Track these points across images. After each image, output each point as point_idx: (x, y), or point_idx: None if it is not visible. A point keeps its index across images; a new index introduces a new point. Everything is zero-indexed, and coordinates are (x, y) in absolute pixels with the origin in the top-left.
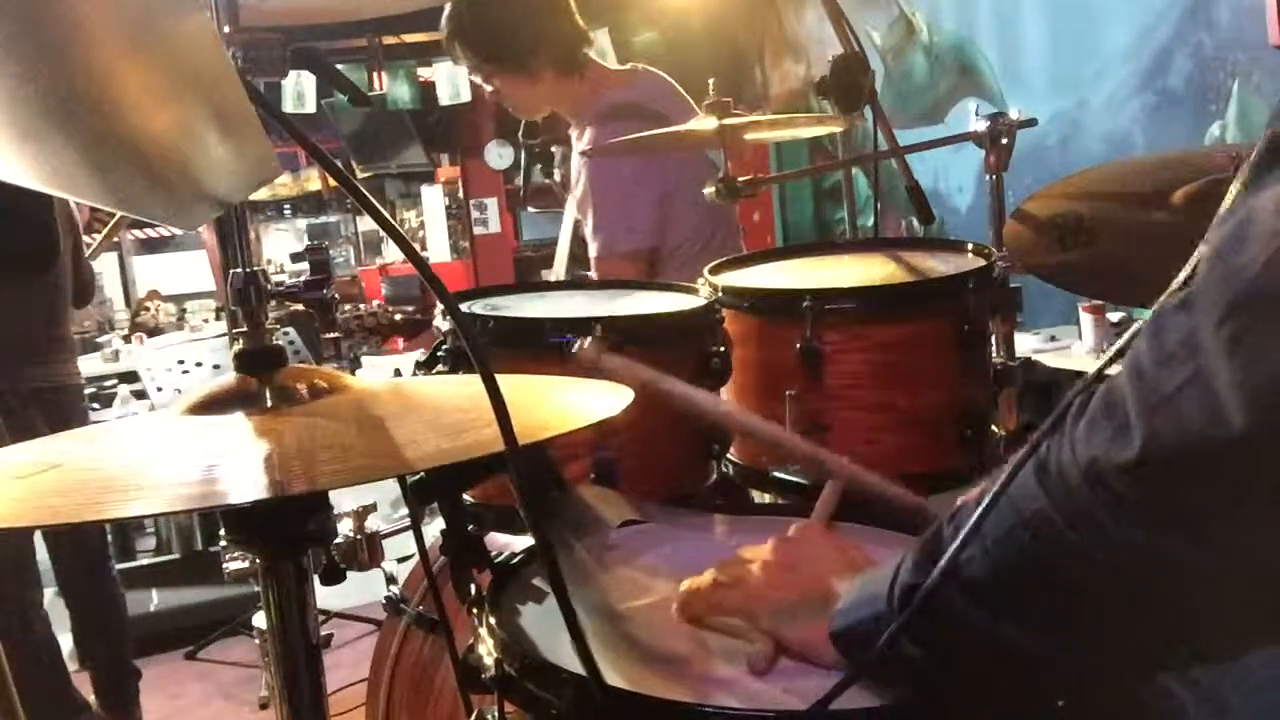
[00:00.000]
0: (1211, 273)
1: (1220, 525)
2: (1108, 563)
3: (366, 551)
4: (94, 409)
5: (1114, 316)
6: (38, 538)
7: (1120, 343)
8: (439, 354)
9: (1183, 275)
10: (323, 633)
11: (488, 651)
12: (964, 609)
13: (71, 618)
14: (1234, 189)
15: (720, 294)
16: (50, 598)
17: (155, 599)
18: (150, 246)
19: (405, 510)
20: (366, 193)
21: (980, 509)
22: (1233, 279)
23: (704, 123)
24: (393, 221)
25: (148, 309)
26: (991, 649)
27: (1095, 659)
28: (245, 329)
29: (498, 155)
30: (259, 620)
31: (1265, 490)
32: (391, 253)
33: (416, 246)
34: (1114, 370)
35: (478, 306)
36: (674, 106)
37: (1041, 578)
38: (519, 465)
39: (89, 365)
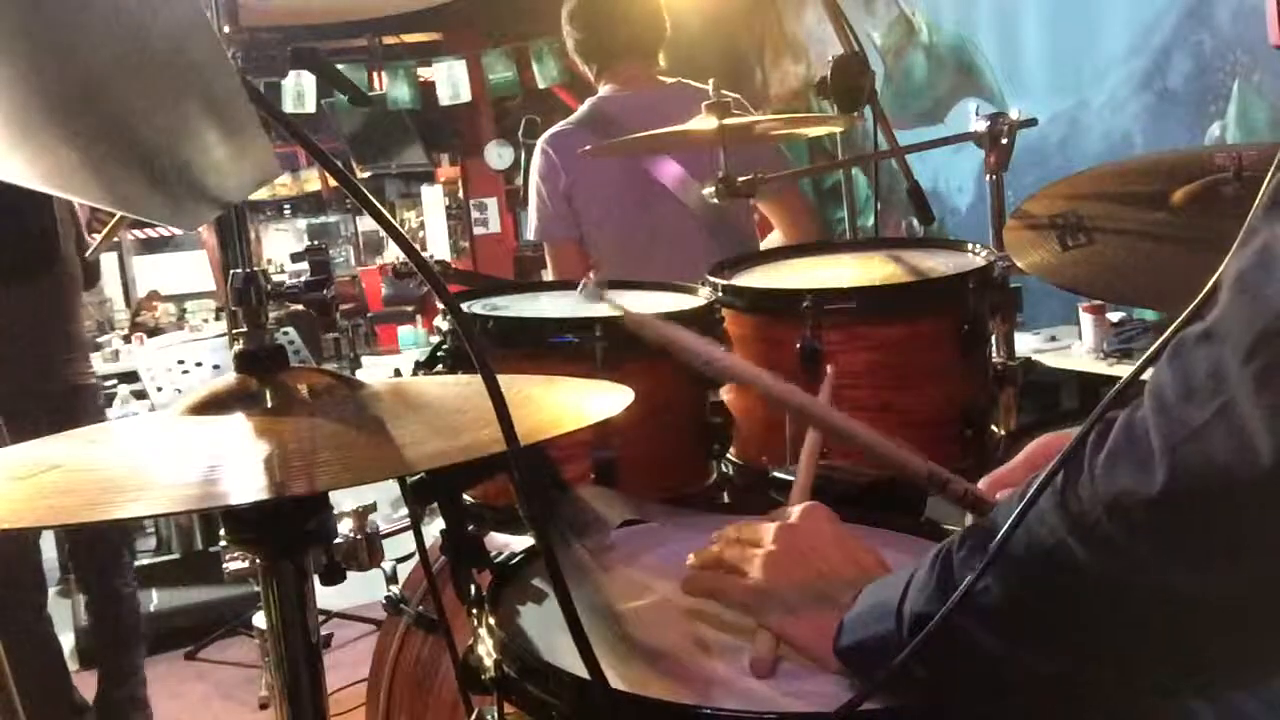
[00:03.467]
0: (1236, 303)
1: (1245, 559)
2: (1129, 595)
3: (366, 551)
4: None
5: (1114, 316)
6: (50, 537)
7: (1132, 371)
8: (439, 354)
9: (1199, 300)
10: (323, 633)
11: (487, 652)
12: (977, 637)
13: (87, 615)
14: (1260, 201)
15: (720, 294)
16: (52, 598)
17: (155, 599)
18: (150, 246)
19: (405, 510)
20: (367, 193)
21: (997, 540)
22: (1260, 311)
23: (704, 122)
24: (393, 221)
25: (151, 309)
26: (1002, 674)
27: (1111, 685)
28: (245, 329)
29: (498, 155)
30: (259, 620)
31: None
32: (392, 252)
33: (416, 247)
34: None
35: (478, 306)
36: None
37: (1061, 608)
38: (520, 465)
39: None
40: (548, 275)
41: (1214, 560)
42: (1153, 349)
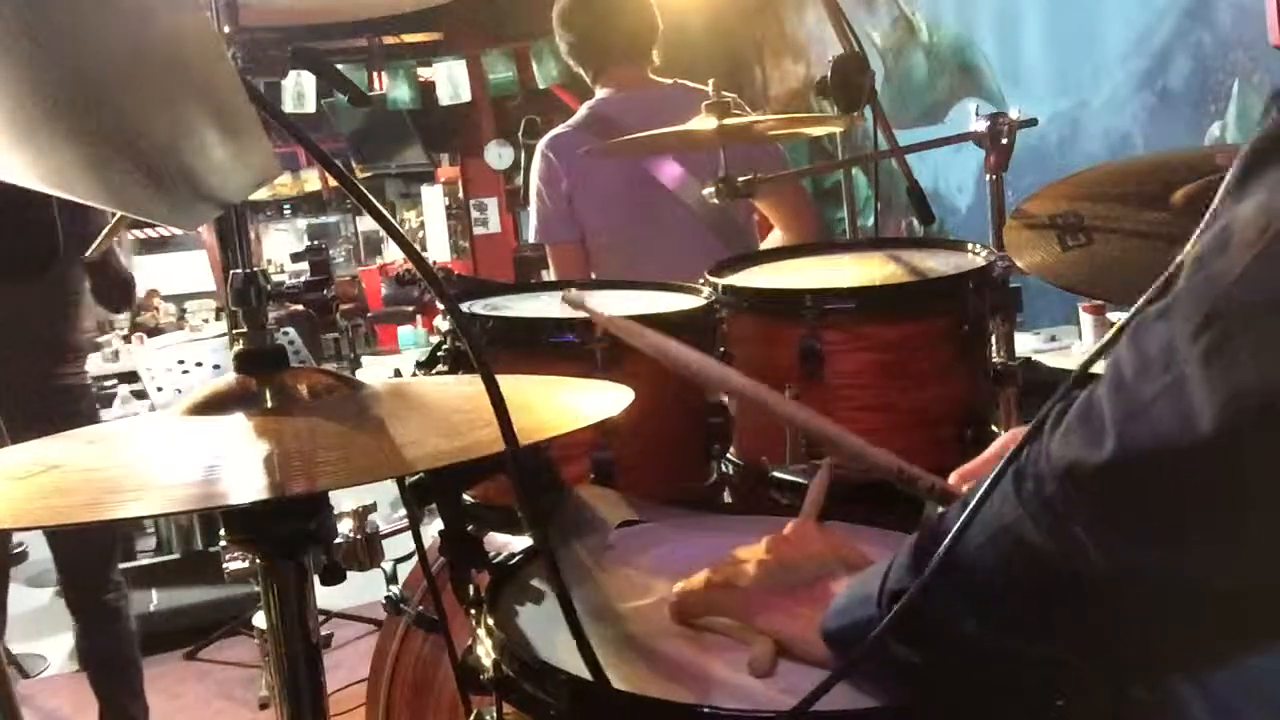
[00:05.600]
0: (1191, 281)
1: (1190, 532)
2: (1083, 570)
3: (366, 551)
4: None
5: (1114, 316)
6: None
7: (1094, 351)
8: (439, 354)
9: (1160, 281)
10: (323, 633)
11: (486, 652)
12: (949, 613)
13: (77, 637)
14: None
15: (720, 294)
16: (51, 597)
17: (155, 599)
18: (150, 246)
19: (405, 510)
20: (367, 193)
21: (963, 517)
22: (1211, 288)
23: (704, 122)
24: (393, 221)
25: (155, 308)
26: (978, 651)
27: (1081, 661)
28: (245, 329)
29: (498, 155)
30: (259, 620)
31: (1231, 498)
32: (392, 252)
33: (416, 247)
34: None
35: (478, 306)
36: (653, 124)
37: (1021, 585)
38: (519, 465)
39: (89, 365)
40: (549, 276)
41: (1156, 533)
42: (1114, 329)
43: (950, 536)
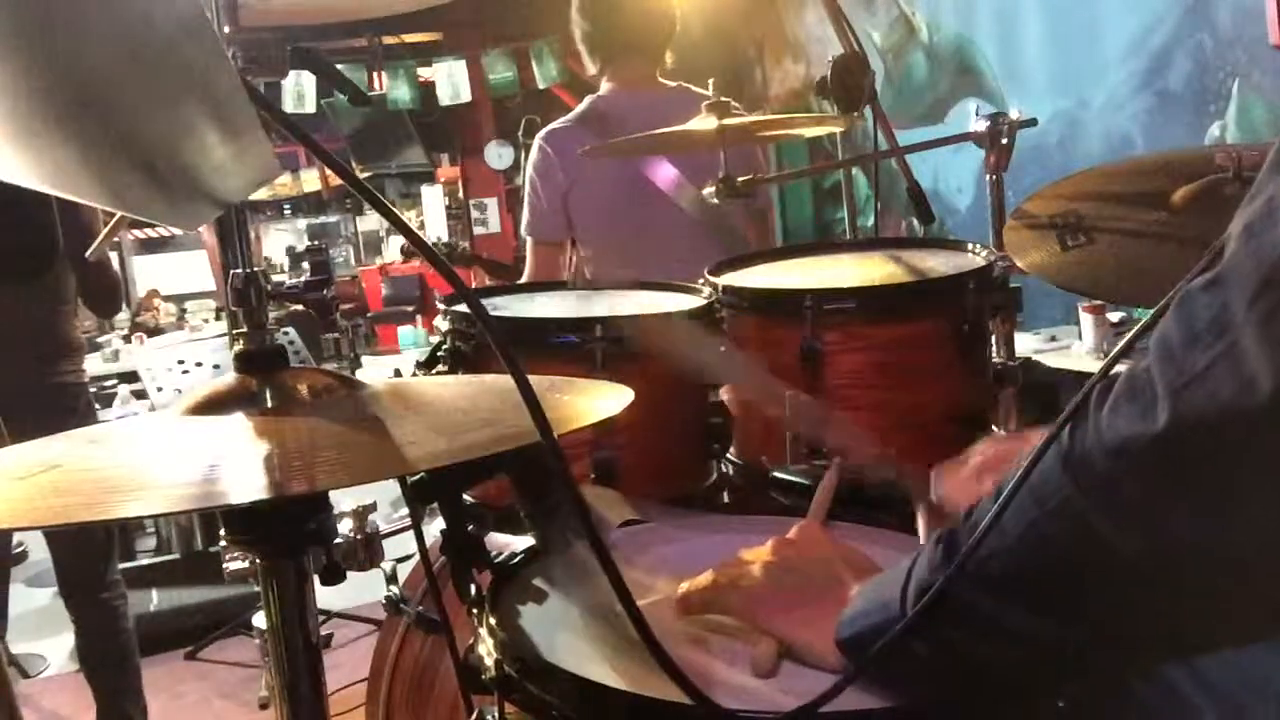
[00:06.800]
0: (1242, 250)
1: (1246, 500)
2: (1135, 546)
3: (366, 551)
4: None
5: (1114, 316)
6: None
7: (1137, 329)
8: (439, 354)
9: (1208, 256)
10: (323, 633)
11: (488, 652)
12: (980, 603)
13: (76, 636)
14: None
15: (720, 294)
16: (52, 596)
17: (155, 599)
18: (150, 246)
19: (405, 510)
20: (375, 192)
21: (999, 503)
22: (1265, 256)
23: (704, 122)
24: (403, 219)
25: (155, 309)
26: (1003, 641)
27: (1113, 642)
28: (245, 329)
29: (498, 155)
30: (259, 620)
31: None
32: (392, 252)
33: (423, 238)
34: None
35: None
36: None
37: (1068, 567)
38: (556, 452)
39: (89, 365)
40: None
41: (1216, 500)
42: (1162, 302)
43: (987, 520)
